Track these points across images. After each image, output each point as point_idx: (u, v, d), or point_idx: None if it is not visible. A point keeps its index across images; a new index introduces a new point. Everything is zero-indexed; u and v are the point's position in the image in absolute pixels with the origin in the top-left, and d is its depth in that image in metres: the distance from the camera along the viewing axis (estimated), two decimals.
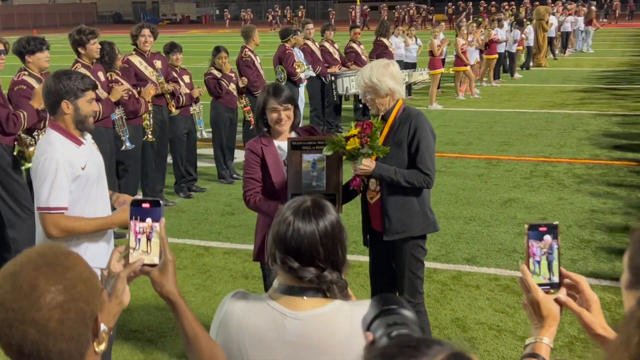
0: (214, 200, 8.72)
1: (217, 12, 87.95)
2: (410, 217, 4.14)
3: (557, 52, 26.05)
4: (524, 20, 21.82)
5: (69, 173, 3.53)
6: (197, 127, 9.10)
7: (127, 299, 1.91)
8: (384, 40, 13.58)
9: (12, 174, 5.97)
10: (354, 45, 13.05)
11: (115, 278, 1.91)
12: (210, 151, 9.99)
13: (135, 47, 8.11)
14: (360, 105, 13.34)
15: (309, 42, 11.99)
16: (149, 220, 1.97)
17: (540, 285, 1.83)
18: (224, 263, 6.61)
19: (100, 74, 7.11)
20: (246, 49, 9.89)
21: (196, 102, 8.98)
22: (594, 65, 22.99)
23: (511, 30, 20.37)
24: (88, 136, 3.83)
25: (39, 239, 3.73)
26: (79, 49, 6.89)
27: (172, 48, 8.69)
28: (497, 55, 18.79)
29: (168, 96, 8.19)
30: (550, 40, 24.49)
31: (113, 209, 3.83)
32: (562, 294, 1.85)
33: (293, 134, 4.29)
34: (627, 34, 38.11)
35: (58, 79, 3.59)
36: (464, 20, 19.47)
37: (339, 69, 12.45)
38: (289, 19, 58.35)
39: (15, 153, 6.00)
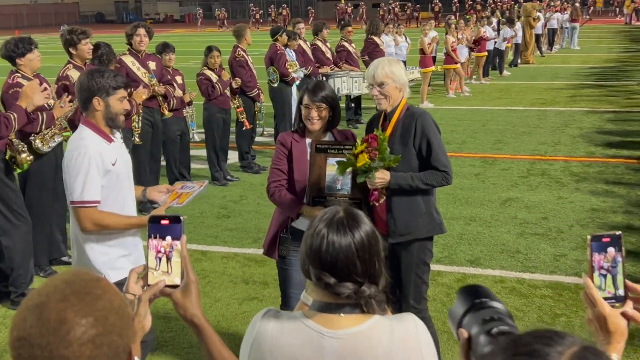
0: (208, 203, 8.56)
1: (201, 11, 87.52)
2: (416, 218, 4.03)
3: (544, 49, 26.07)
4: (514, 18, 21.77)
5: (100, 167, 3.56)
6: (190, 130, 8.95)
7: (148, 324, 1.79)
8: (375, 38, 13.47)
9: (4, 179, 5.79)
10: (346, 44, 12.92)
11: (137, 301, 1.78)
12: (203, 152, 9.83)
13: (129, 47, 7.94)
14: (352, 105, 13.23)
15: (300, 42, 11.84)
16: (168, 238, 1.83)
17: (605, 299, 1.72)
18: (222, 268, 6.46)
19: None
20: (239, 49, 9.74)
21: (189, 105, 8.83)
22: (581, 62, 23.00)
23: (498, 28, 20.34)
24: (118, 135, 3.85)
25: (73, 234, 3.76)
26: (71, 49, 6.72)
27: (164, 48, 8.53)
28: (486, 53, 18.76)
29: (160, 98, 8.02)
30: (537, 38, 24.49)
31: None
32: (629, 307, 1.73)
33: (329, 136, 4.19)
34: (611, 30, 38.28)
35: (91, 76, 3.62)
36: (453, 17, 19.36)
37: (331, 69, 12.29)
38: (273, 17, 58.12)
39: (7, 157, 5.83)
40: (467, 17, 20.64)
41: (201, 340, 1.90)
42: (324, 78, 11.72)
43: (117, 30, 54.22)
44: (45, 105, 6.05)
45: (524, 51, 23.26)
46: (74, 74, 6.66)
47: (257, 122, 10.34)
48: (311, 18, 52.22)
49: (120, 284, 3.82)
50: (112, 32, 46.38)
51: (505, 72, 20.67)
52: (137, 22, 8.47)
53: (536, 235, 6.98)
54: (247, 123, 9.69)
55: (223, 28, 54.56)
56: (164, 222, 1.84)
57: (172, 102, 8.21)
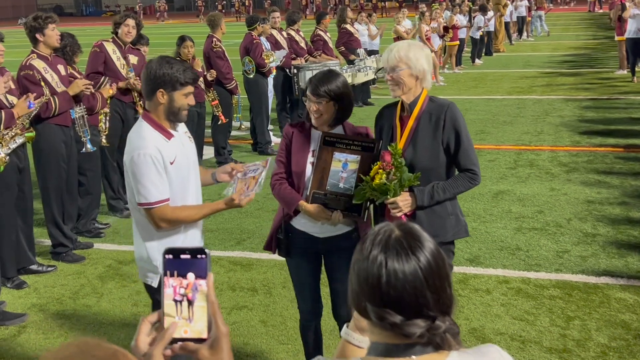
0: None
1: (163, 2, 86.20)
2: (443, 220, 3.65)
3: (513, 37, 25.93)
4: (487, 6, 21.51)
5: (160, 165, 3.43)
6: None
7: None
8: (348, 27, 13.04)
9: None
10: (321, 33, 12.47)
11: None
12: None
13: (114, 35, 7.43)
14: None
15: (274, 32, 11.35)
16: (190, 276, 1.41)
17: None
18: None
19: (61, 67, 6.41)
20: (214, 39, 9.25)
21: None
22: (551, 50, 22.89)
23: (470, 17, 20.08)
24: (181, 127, 3.67)
25: (134, 232, 3.66)
26: (37, 36, 6.18)
27: (139, 39, 8.01)
28: (458, 42, 18.47)
29: (136, 94, 7.49)
30: (506, 25, 24.28)
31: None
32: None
33: (339, 130, 3.85)
34: (575, 18, 38.43)
35: (159, 66, 3.44)
36: (425, 6, 19.04)
37: (306, 60, 11.82)
38: (237, 7, 57.28)
39: None
40: (435, 5, 20.26)
41: None
42: (295, 70, 11.24)
43: (76, 23, 53.19)
44: (5, 102, 5.53)
45: (494, 40, 23.06)
46: (38, 64, 6.15)
47: (235, 115, 9.86)
48: (267, 6, 51.67)
49: None
50: (72, 25, 45.30)
51: (478, 61, 20.43)
52: (128, 12, 7.91)
53: (534, 231, 6.66)
54: (222, 117, 9.21)
55: (160, 20, 54.24)
56: (184, 255, 1.42)
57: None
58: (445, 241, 3.65)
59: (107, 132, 7.06)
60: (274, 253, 4.02)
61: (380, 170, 3.47)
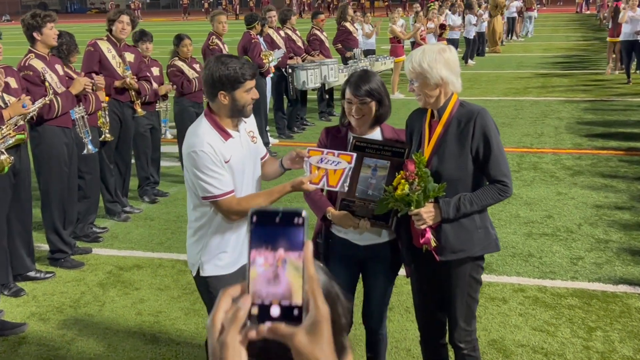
0: (183, 205, 7.86)
1: (148, 0, 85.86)
2: (471, 233, 3.45)
3: (503, 37, 25.88)
4: (473, 3, 21.39)
5: (217, 160, 3.40)
6: (162, 126, 8.22)
7: None
8: (348, 25, 12.86)
9: None
10: (317, 33, 12.27)
11: (219, 347, 1.06)
12: (174, 150, 9.13)
13: (109, 33, 7.18)
14: (327, 96, 12.62)
15: (270, 31, 11.16)
16: (281, 249, 1.07)
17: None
18: None
19: (58, 67, 6.18)
20: (213, 36, 9.04)
21: (164, 99, 8.11)
22: (543, 51, 22.85)
23: (463, 16, 19.98)
24: (245, 126, 3.61)
25: (192, 225, 3.68)
26: (35, 34, 5.95)
27: (141, 36, 7.80)
28: (445, 42, 18.31)
29: (133, 93, 7.27)
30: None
31: None
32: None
33: (377, 132, 3.70)
34: (564, 19, 38.49)
35: (216, 68, 3.38)
36: (419, 6, 18.90)
37: (303, 59, 11.62)
38: (224, 6, 56.92)
39: None
40: (430, 5, 20.13)
41: None
42: (290, 70, 11.06)
43: (61, 20, 52.48)
44: None
45: (491, 40, 23.04)
46: (37, 64, 5.93)
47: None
48: (252, 6, 51.48)
49: (217, 278, 3.58)
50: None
51: (471, 62, 20.33)
52: (121, 8, 7.64)
53: (545, 236, 6.52)
54: None
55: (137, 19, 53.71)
56: (276, 220, 1.08)
57: (145, 99, 7.46)
58: (473, 256, 3.48)
59: (109, 126, 6.84)
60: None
61: (403, 181, 3.30)
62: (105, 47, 7.13)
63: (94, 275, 6.01)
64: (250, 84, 3.43)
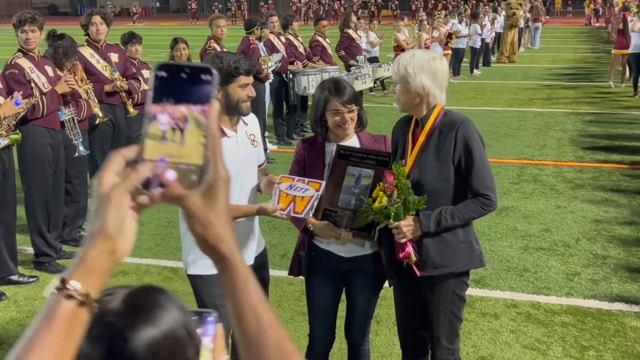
0: (175, 211, 7.74)
1: (158, 4, 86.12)
2: (453, 248, 3.31)
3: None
4: (479, 12, 21.26)
5: None
6: None
7: (126, 247, 0.98)
8: (351, 32, 12.74)
9: None
10: (320, 39, 12.16)
11: (103, 201, 0.96)
12: None
13: (87, 37, 7.05)
14: None
15: (272, 36, 11.05)
16: (185, 104, 0.98)
17: None
18: None
19: (49, 69, 6.06)
20: (211, 40, 8.93)
21: None
22: (550, 62, 22.69)
23: (468, 25, 19.84)
24: (247, 128, 3.56)
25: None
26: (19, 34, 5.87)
27: (130, 38, 7.68)
28: (449, 51, 18.13)
29: (124, 94, 7.15)
30: (499, 36, 24.00)
31: None
32: None
33: (354, 139, 3.61)
34: (573, 31, 38.31)
35: (212, 62, 3.35)
36: (425, 15, 18.78)
37: (304, 65, 11.50)
38: (233, 11, 56.99)
39: None
40: (436, 14, 20.02)
41: (228, 284, 1.04)
42: (291, 75, 10.93)
43: (70, 22, 52.63)
44: None
45: (503, 49, 22.99)
46: (24, 63, 5.82)
47: None
48: (263, 12, 51.64)
49: (201, 278, 3.53)
50: (66, 24, 44.84)
51: (476, 71, 20.19)
52: (91, 9, 7.45)
53: (542, 251, 6.36)
54: None
55: (137, 23, 53.87)
56: (182, 75, 0.99)
57: (137, 98, 7.34)
58: (456, 271, 3.33)
59: (97, 105, 6.65)
60: (297, 275, 3.75)
61: (381, 193, 3.17)
62: (87, 52, 6.99)
63: None
64: (245, 79, 3.37)
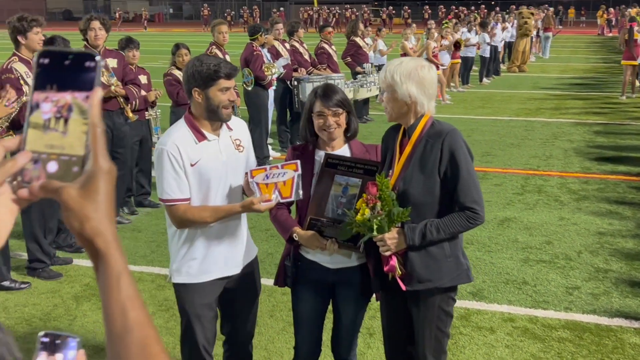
0: None
1: (171, 10, 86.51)
2: (439, 262, 3.20)
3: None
4: (488, 22, 21.14)
5: (177, 164, 3.33)
6: (154, 134, 8.03)
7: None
8: (357, 40, 12.67)
9: None
10: (325, 46, 12.09)
11: None
12: None
13: (86, 42, 7.02)
14: None
15: (276, 43, 10.99)
16: (69, 92, 0.94)
17: None
18: None
19: None
20: (213, 46, 8.88)
21: (153, 106, 7.93)
22: (560, 72, 22.54)
23: (478, 34, 19.73)
24: (231, 132, 3.50)
25: (170, 230, 3.61)
26: (19, 38, 5.83)
27: (127, 43, 7.63)
28: (459, 60, 17.99)
29: (122, 99, 7.10)
30: (510, 45, 23.87)
31: None
32: None
33: (345, 148, 3.52)
34: (585, 41, 38.12)
35: (192, 65, 3.36)
36: (434, 23, 18.67)
37: (309, 72, 11.43)
38: (245, 18, 57.16)
39: None
40: (445, 23, 19.90)
41: (101, 279, 0.99)
42: (296, 82, 10.85)
43: None
44: None
45: (514, 58, 22.91)
46: (20, 67, 5.79)
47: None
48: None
49: (184, 287, 3.50)
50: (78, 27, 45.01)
51: (486, 80, 20.07)
52: (90, 14, 7.41)
53: (542, 263, 6.24)
54: None
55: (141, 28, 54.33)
56: (66, 62, 0.95)
57: (135, 104, 7.27)
58: (442, 287, 3.23)
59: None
60: (283, 286, 3.67)
61: (364, 204, 3.08)
62: None
63: (70, 287, 5.82)
64: (226, 83, 3.32)
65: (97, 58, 0.95)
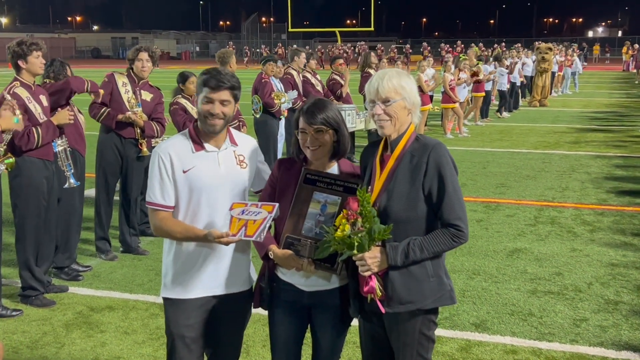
0: None
1: (198, 49, 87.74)
2: (421, 283, 3.02)
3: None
4: (502, 56, 21.01)
5: (166, 170, 3.34)
6: None
7: None
8: (371, 71, 12.59)
9: None
10: (337, 78, 12.03)
11: None
12: None
13: (130, 71, 7.05)
14: None
15: (294, 73, 10.96)
16: None
17: None
18: None
19: (43, 98, 5.98)
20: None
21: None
22: (582, 106, 22.29)
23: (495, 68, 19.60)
24: (231, 147, 3.44)
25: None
26: (20, 63, 5.79)
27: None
28: (484, 93, 17.90)
29: (138, 131, 7.02)
30: (532, 80, 23.69)
31: None
32: None
33: (334, 168, 3.37)
34: (609, 77, 37.84)
35: (199, 76, 3.40)
36: (451, 56, 18.60)
37: None
38: (279, 53, 57.77)
39: None
40: (463, 56, 19.79)
41: None
42: None
43: (113, 65, 53.73)
44: None
45: (535, 93, 22.81)
46: (22, 92, 5.75)
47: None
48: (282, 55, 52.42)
49: (170, 302, 3.46)
50: (108, 66, 45.92)
51: (505, 114, 19.88)
52: (140, 45, 7.42)
53: (550, 294, 6.00)
54: None
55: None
56: None
57: (152, 141, 7.23)
58: (424, 308, 3.04)
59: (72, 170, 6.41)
60: (257, 307, 3.51)
61: (344, 220, 2.92)
62: (121, 80, 7.00)
63: (62, 314, 5.70)
64: (210, 94, 3.28)
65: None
